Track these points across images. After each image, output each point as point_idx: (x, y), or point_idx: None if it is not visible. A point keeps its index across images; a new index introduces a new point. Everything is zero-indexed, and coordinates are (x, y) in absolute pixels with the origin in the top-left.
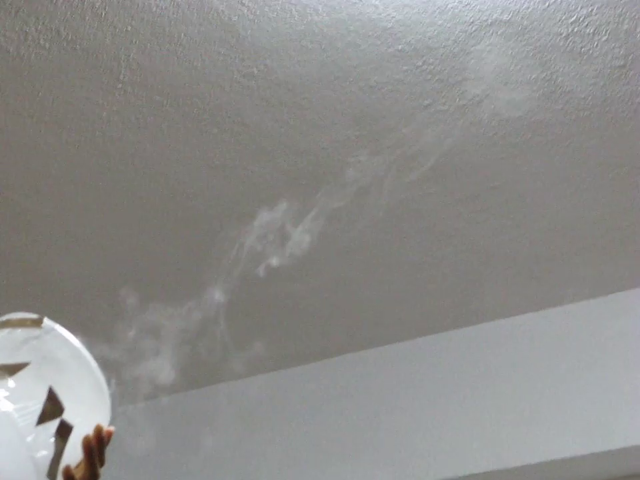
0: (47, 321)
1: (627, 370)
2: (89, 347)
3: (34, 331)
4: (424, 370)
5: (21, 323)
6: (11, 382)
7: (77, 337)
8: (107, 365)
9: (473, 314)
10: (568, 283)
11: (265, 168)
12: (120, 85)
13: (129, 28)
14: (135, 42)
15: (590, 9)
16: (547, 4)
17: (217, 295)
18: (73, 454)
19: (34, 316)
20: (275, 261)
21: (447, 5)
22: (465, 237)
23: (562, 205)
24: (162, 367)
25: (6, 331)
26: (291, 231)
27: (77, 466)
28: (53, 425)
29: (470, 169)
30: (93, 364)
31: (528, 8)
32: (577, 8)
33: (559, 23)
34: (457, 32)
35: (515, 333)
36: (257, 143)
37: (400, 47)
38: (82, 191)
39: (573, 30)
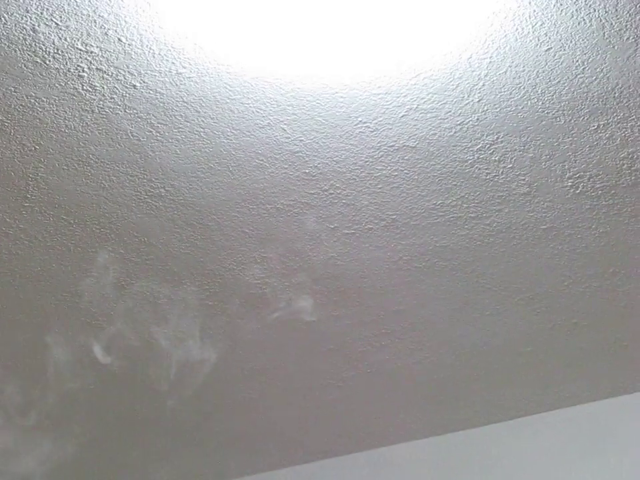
0: None
1: None
2: None
3: None
4: None
5: None
6: None
7: None
8: None
9: (376, 437)
10: (471, 407)
11: (171, 290)
12: (27, 204)
13: (38, 147)
14: (44, 161)
15: (495, 137)
16: (453, 131)
17: (130, 413)
18: None
19: None
20: (181, 382)
21: (354, 130)
22: (370, 360)
23: (465, 330)
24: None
25: None
26: (196, 353)
27: None
28: None
29: (375, 292)
30: None
31: (434, 135)
32: (483, 135)
33: (465, 149)
34: (363, 157)
35: (417, 458)
36: (163, 264)
37: (307, 170)
38: None
39: (478, 157)
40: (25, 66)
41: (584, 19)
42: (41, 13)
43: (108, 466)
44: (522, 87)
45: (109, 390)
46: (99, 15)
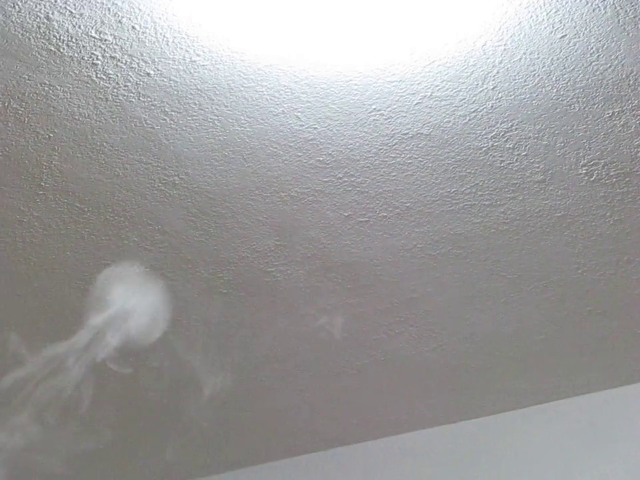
0: None
1: None
2: None
3: None
4: None
5: None
6: None
7: None
8: None
9: (390, 425)
10: (484, 394)
11: (185, 276)
12: (41, 192)
13: (52, 135)
14: (57, 149)
15: (510, 124)
16: (467, 119)
17: (138, 409)
18: None
19: None
20: (195, 370)
21: (368, 117)
22: (384, 348)
23: (479, 318)
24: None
25: None
26: (210, 341)
27: None
28: None
29: (389, 280)
30: None
31: (449, 122)
32: (497, 123)
33: (479, 137)
34: (377, 144)
35: (430, 446)
36: (177, 251)
37: (321, 158)
38: (1, 297)
39: (492, 144)
40: (38, 54)
41: (598, 6)
42: (55, 1)
43: (119, 455)
44: (536, 74)
45: (123, 381)
46: (113, 3)
